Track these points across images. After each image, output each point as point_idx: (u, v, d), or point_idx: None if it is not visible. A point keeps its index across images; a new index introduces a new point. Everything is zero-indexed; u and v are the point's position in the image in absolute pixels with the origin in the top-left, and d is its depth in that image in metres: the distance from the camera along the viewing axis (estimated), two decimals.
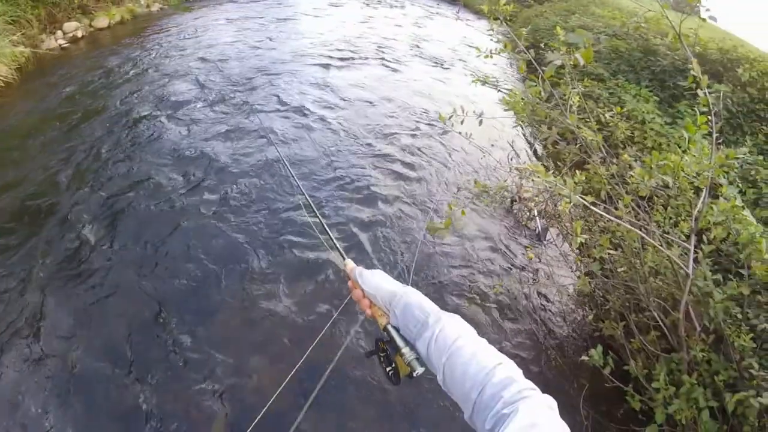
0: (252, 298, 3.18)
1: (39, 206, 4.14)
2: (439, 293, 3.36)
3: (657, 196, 2.45)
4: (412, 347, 0.98)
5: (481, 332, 2.54)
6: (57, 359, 2.72)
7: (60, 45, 9.30)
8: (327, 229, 1.38)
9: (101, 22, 10.64)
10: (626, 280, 2.64)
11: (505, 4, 2.68)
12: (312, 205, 1.47)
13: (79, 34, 9.92)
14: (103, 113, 6.11)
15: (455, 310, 3.16)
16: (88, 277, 3.33)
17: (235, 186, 4.40)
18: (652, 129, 4.92)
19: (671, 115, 5.31)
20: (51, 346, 2.80)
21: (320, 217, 1.43)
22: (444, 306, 3.01)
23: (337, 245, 1.33)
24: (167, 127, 5.67)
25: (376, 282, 1.12)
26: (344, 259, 1.28)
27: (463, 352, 0.85)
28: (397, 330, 1.02)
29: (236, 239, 3.72)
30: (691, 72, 1.80)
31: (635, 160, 2.42)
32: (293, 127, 5.70)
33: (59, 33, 9.51)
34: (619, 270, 2.69)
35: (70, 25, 9.74)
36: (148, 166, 4.77)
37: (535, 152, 5.65)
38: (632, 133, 4.83)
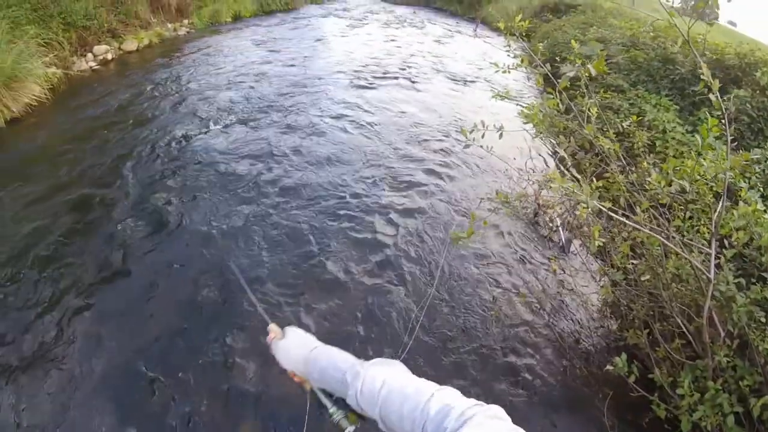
0: (286, 311, 3.26)
1: (74, 216, 4.32)
2: (462, 304, 3.39)
3: (676, 203, 2.47)
4: (343, 404, 0.97)
5: (503, 344, 2.57)
6: (92, 360, 2.83)
7: (91, 67, 9.69)
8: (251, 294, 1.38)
9: (130, 45, 11.08)
10: (649, 288, 2.65)
11: (520, 21, 2.76)
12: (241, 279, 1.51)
13: (109, 56, 10.34)
14: (133, 130, 6.33)
15: (480, 321, 3.19)
16: (125, 283, 3.49)
17: (270, 197, 4.58)
18: (673, 138, 4.92)
19: (692, 123, 5.29)
20: (87, 348, 2.91)
21: (247, 287, 1.43)
22: (470, 317, 3.06)
23: (261, 310, 1.31)
24: (196, 143, 5.88)
25: (286, 350, 1.12)
26: (268, 323, 1.25)
27: (393, 397, 0.84)
28: (323, 391, 1.03)
29: (276, 248, 3.86)
30: (701, 76, 1.83)
31: (653, 167, 2.44)
32: (320, 144, 5.89)
33: (90, 55, 9.91)
34: (642, 279, 2.70)
35: (100, 48, 10.16)
36: (178, 180, 4.95)
37: (555, 163, 5.69)
38: (653, 143, 4.84)
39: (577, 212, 3.62)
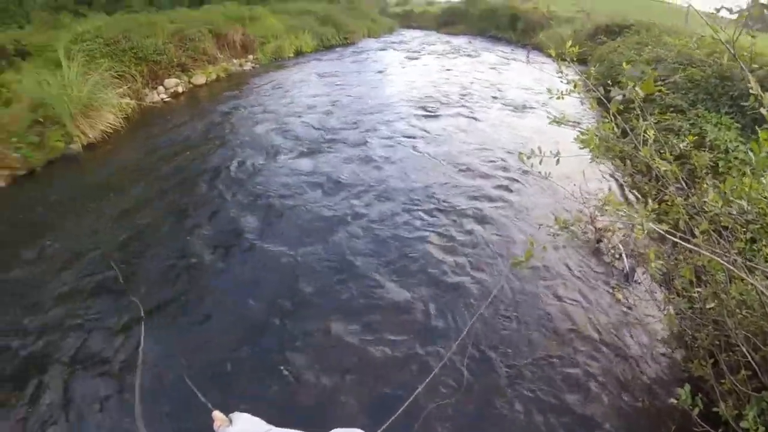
0: (349, 331, 3.38)
1: (144, 237, 4.68)
2: (519, 334, 3.39)
3: (738, 224, 2.40)
4: None
5: (565, 375, 2.57)
6: (158, 378, 3.01)
7: (162, 99, 10.44)
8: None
9: (199, 79, 11.89)
10: (714, 316, 2.57)
11: (571, 47, 2.80)
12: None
13: (180, 89, 11.11)
14: (204, 157, 6.79)
15: (539, 352, 3.17)
16: (195, 300, 3.75)
17: (338, 231, 4.71)
18: (736, 158, 4.74)
19: (755, 141, 5.05)
20: (154, 365, 3.10)
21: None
22: (527, 348, 3.05)
23: (202, 398, 1.36)
24: (264, 171, 6.23)
25: None
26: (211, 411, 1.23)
27: None
28: None
29: (337, 275, 4.02)
30: (750, 91, 1.80)
31: (712, 188, 2.39)
32: (385, 173, 6.13)
33: (161, 88, 10.68)
34: (707, 306, 2.61)
35: (170, 81, 10.93)
36: (241, 207, 5.24)
37: (614, 188, 5.57)
38: (716, 164, 4.68)
39: (633, 235, 3.57)
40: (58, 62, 7.91)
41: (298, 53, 17.29)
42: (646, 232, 1.62)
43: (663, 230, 1.77)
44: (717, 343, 2.60)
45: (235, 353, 3.21)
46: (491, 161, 6.52)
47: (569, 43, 2.85)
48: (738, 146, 4.92)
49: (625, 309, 3.64)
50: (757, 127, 5.21)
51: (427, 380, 1.95)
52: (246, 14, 16.36)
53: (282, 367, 3.07)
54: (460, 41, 22.97)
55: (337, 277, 3.98)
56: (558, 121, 2.94)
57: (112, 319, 3.52)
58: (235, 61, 14.30)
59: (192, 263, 4.22)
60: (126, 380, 2.97)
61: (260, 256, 4.30)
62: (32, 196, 5.78)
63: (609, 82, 8.17)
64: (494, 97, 10.49)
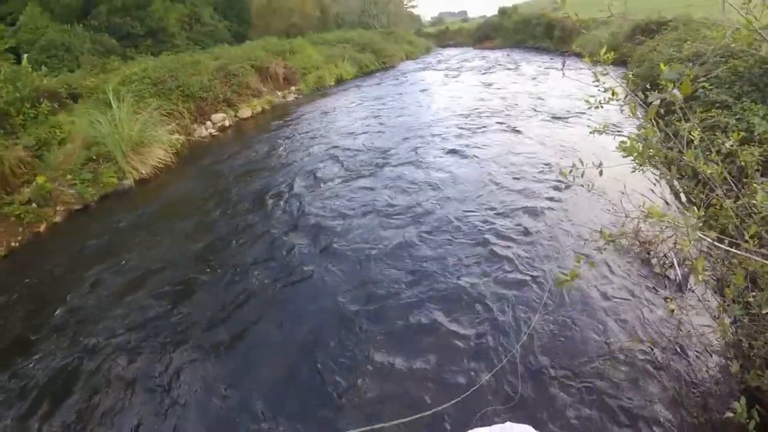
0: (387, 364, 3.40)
1: (197, 265, 4.88)
2: (569, 348, 3.35)
3: None
4: None
5: (616, 389, 2.55)
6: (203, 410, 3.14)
7: (210, 133, 10.97)
8: None
9: (245, 112, 12.44)
10: None
11: (606, 53, 2.77)
12: None
13: (227, 123, 11.66)
14: (253, 188, 7.04)
15: (590, 368, 3.15)
16: (245, 328, 3.87)
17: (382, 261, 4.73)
18: None
19: None
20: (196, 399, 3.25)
21: None
22: (575, 362, 3.00)
23: None
24: (316, 198, 6.38)
25: None
26: None
27: None
28: None
29: (379, 305, 4.04)
30: None
31: (762, 188, 2.32)
32: (433, 195, 6.16)
33: (209, 123, 11.22)
34: (763, 312, 2.52)
35: (217, 116, 11.48)
36: (288, 236, 5.36)
37: (660, 194, 5.40)
38: (767, 159, 4.47)
39: (679, 246, 3.44)
40: (108, 103, 8.49)
41: (339, 81, 17.86)
42: (692, 241, 1.61)
43: (711, 238, 1.76)
44: None
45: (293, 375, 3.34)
46: (535, 177, 6.46)
47: (603, 49, 2.83)
48: None
49: (679, 319, 3.51)
50: None
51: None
52: (286, 47, 17.11)
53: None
54: (497, 55, 23.01)
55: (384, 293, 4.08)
56: (599, 131, 2.93)
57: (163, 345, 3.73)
58: (278, 93, 14.89)
59: (245, 289, 4.40)
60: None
61: (317, 283, 4.41)
62: (87, 229, 6.19)
63: (649, 84, 8.00)
64: (535, 109, 10.45)
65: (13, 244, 5.85)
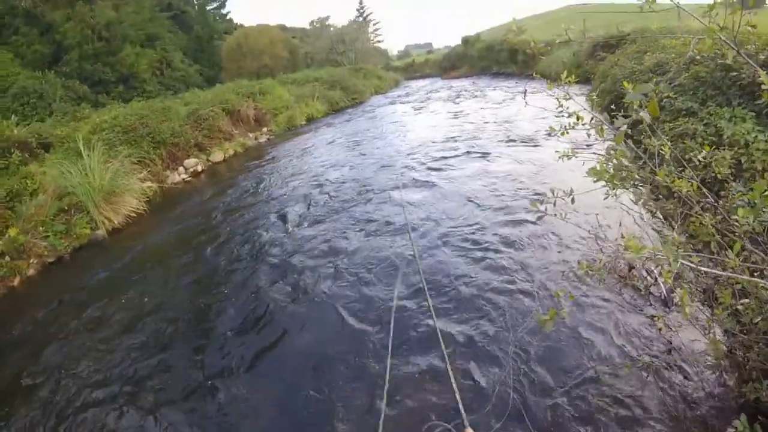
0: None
1: (170, 319, 4.71)
2: (556, 377, 3.22)
3: None
4: None
5: (615, 415, 2.41)
6: None
7: (183, 179, 10.85)
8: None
9: (217, 156, 12.40)
10: (765, 331, 2.40)
11: (567, 77, 2.75)
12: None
13: (199, 168, 11.58)
14: (226, 234, 6.90)
15: (579, 398, 3.01)
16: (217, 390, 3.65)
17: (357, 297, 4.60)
18: (758, 149, 4.55)
19: None
20: None
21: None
22: (562, 392, 2.87)
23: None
24: (281, 241, 6.25)
25: None
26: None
27: None
28: None
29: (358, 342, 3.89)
30: (763, 87, 1.73)
31: (741, 200, 2.28)
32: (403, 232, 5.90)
33: (181, 168, 11.11)
34: (755, 321, 2.45)
35: (190, 162, 11.38)
36: (263, 280, 5.23)
37: (636, 215, 5.24)
38: (738, 161, 4.51)
39: (661, 280, 3.33)
40: (79, 152, 8.40)
41: (310, 119, 18.01)
42: (675, 271, 1.54)
43: (694, 264, 1.69)
44: None
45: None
46: (506, 207, 6.23)
47: (565, 73, 2.82)
48: (757, 136, 4.72)
49: (668, 337, 3.42)
50: None
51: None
52: (256, 88, 17.19)
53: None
54: (463, 83, 23.47)
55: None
56: (567, 155, 2.88)
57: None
58: (250, 135, 14.91)
59: (215, 339, 4.26)
60: None
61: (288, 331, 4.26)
62: (62, 283, 6.03)
63: (613, 99, 8.13)
64: (503, 136, 10.50)
65: None
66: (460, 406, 1.21)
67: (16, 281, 6.17)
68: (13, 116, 11.70)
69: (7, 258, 6.28)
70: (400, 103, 19.88)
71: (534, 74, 3.80)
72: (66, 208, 7.58)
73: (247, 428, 3.24)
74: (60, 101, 18.83)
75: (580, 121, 2.70)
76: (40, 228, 6.97)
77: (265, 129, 15.81)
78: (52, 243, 6.86)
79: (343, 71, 27.73)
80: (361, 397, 3.29)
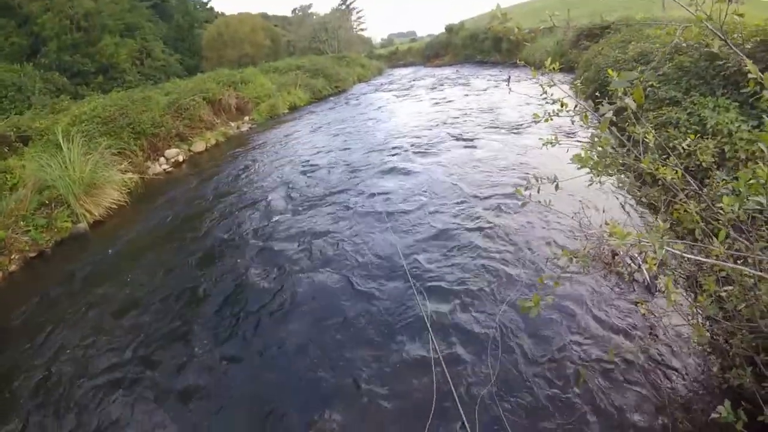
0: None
1: (151, 312, 4.62)
2: (538, 369, 3.20)
3: (760, 216, 2.27)
4: None
5: (600, 403, 2.40)
6: None
7: (164, 170, 10.66)
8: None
9: (199, 146, 12.20)
10: (748, 318, 2.41)
11: (551, 64, 2.72)
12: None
13: (181, 158, 11.37)
14: (209, 224, 6.82)
15: (562, 386, 3.01)
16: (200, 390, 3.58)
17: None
18: (741, 138, 4.60)
19: (756, 116, 4.88)
20: None
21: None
22: (547, 382, 2.87)
23: None
24: (264, 230, 6.20)
25: None
26: None
27: None
28: None
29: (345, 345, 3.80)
30: (749, 75, 1.71)
31: (723, 187, 2.28)
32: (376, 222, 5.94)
33: (162, 159, 10.91)
34: (739, 308, 2.45)
35: (171, 152, 11.17)
36: (246, 268, 5.17)
37: (621, 202, 5.28)
38: (722, 150, 4.55)
39: (646, 266, 3.34)
40: (58, 145, 8.22)
41: (293, 108, 17.82)
42: (660, 258, 1.52)
43: (680, 250, 1.67)
44: (754, 345, 2.43)
45: None
46: (490, 195, 6.24)
47: (549, 60, 2.79)
48: (740, 126, 4.76)
49: (652, 323, 3.44)
50: (756, 102, 5.07)
51: None
52: (237, 77, 16.91)
53: None
54: (447, 71, 23.40)
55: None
56: (551, 142, 2.86)
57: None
58: (232, 124, 14.69)
59: (193, 332, 4.19)
60: None
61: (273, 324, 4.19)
62: (44, 278, 5.91)
63: (597, 87, 8.13)
64: (488, 122, 10.51)
65: None
66: None
67: None
68: None
69: None
70: (383, 91, 19.78)
71: (518, 61, 3.75)
72: (46, 201, 7.42)
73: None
74: (39, 93, 18.40)
75: (564, 107, 2.67)
76: (21, 223, 6.80)
77: (247, 118, 15.61)
78: (34, 237, 6.70)
79: (326, 59, 27.54)
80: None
